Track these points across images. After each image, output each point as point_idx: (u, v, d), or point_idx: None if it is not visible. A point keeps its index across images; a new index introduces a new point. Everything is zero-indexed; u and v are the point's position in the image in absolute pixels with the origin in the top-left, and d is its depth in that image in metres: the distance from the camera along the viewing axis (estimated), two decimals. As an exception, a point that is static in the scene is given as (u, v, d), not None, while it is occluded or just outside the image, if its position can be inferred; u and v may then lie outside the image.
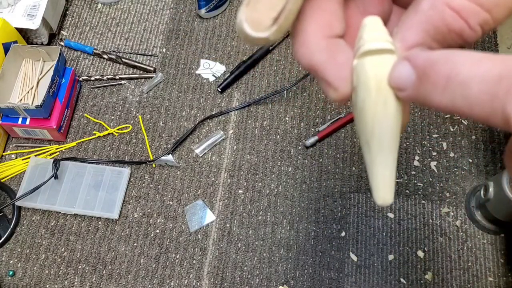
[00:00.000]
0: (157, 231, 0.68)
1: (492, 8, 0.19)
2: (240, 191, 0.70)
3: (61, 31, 0.84)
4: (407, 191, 0.70)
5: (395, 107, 0.21)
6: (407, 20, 0.21)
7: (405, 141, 0.73)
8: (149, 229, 0.68)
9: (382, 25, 0.21)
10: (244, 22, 0.20)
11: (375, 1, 0.23)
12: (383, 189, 0.22)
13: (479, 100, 0.17)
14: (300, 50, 0.22)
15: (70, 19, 0.85)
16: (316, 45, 0.21)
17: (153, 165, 0.72)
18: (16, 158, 0.73)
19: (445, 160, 0.72)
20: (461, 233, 0.67)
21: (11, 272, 0.65)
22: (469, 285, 0.64)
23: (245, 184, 0.70)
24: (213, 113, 0.75)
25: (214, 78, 0.79)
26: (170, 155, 0.72)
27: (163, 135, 0.74)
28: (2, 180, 0.71)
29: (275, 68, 0.80)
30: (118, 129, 0.74)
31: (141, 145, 0.73)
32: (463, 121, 0.75)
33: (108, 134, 0.74)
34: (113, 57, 0.79)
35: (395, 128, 0.21)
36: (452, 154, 0.72)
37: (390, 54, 0.21)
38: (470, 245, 0.66)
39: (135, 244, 0.67)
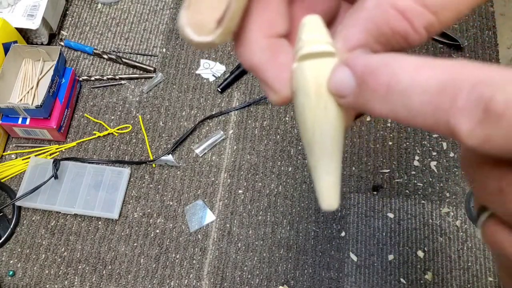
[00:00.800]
0: (157, 231, 0.68)
1: (439, 11, 0.18)
2: (240, 191, 0.70)
3: (61, 31, 0.84)
4: (407, 191, 0.70)
5: (336, 113, 0.20)
6: (351, 19, 0.19)
7: (405, 141, 0.73)
8: (149, 229, 0.68)
9: (323, 25, 0.20)
10: (186, 26, 0.18)
11: None
12: (327, 194, 0.21)
13: (421, 110, 0.16)
14: (241, 49, 0.21)
15: (70, 19, 0.85)
16: (257, 45, 0.20)
17: (153, 165, 0.72)
18: (16, 158, 0.73)
19: (445, 160, 0.72)
20: (461, 233, 0.67)
21: (11, 272, 0.65)
22: (469, 285, 0.64)
23: (245, 184, 0.70)
24: (213, 113, 0.75)
25: (214, 78, 0.79)
26: (170, 155, 0.72)
27: (163, 135, 0.74)
28: (2, 180, 0.71)
29: (275, 68, 0.79)
30: (118, 129, 0.74)
31: (141, 145, 0.73)
32: (463, 121, 0.75)
33: (108, 134, 0.74)
34: (113, 57, 0.79)
35: (336, 133, 0.20)
36: (452, 154, 0.72)
37: (330, 57, 0.20)
38: (470, 245, 0.66)
39: (135, 244, 0.67)
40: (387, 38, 0.19)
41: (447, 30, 0.80)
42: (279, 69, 0.20)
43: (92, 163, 0.71)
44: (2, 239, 0.67)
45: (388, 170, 0.71)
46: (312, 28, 0.20)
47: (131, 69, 0.80)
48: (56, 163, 0.68)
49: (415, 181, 0.70)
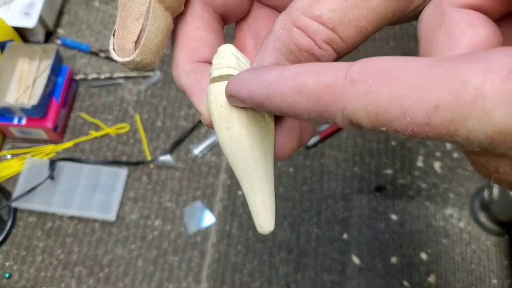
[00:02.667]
0: (155, 233, 0.67)
1: (335, 26, 0.19)
2: (239, 192, 0.69)
3: (58, 29, 0.82)
4: (410, 192, 0.69)
5: (239, 133, 0.21)
6: (264, 42, 0.21)
7: (409, 141, 0.72)
8: (146, 231, 0.67)
9: (233, 51, 0.21)
10: (112, 50, 0.21)
11: (266, 23, 0.24)
12: (256, 217, 0.21)
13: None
14: (172, 71, 0.23)
15: (66, 17, 0.84)
16: (181, 69, 0.22)
17: (151, 166, 0.71)
18: (12, 158, 0.72)
19: (449, 161, 0.71)
20: (465, 235, 0.66)
21: (7, 275, 0.64)
22: (473, 288, 0.63)
23: (245, 185, 0.69)
24: (212, 112, 0.74)
25: (213, 77, 0.78)
26: (169, 155, 0.70)
27: (161, 135, 0.73)
28: (-3, 181, 0.70)
29: (276, 66, 0.78)
30: (115, 129, 0.73)
31: (138, 146, 0.72)
32: (467, 120, 0.74)
33: (105, 134, 0.73)
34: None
35: (246, 153, 0.21)
36: (456, 155, 0.71)
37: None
38: (473, 247, 0.65)
39: (132, 246, 0.66)
40: (295, 55, 0.20)
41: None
42: (202, 93, 0.22)
43: (89, 163, 0.70)
44: (-2, 241, 0.66)
45: (391, 171, 0.70)
46: (222, 55, 0.21)
47: (129, 67, 0.79)
48: (53, 163, 0.67)
49: (419, 182, 0.69)
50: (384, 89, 0.15)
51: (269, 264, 0.65)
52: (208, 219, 0.67)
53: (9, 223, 0.67)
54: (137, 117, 0.74)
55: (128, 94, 0.76)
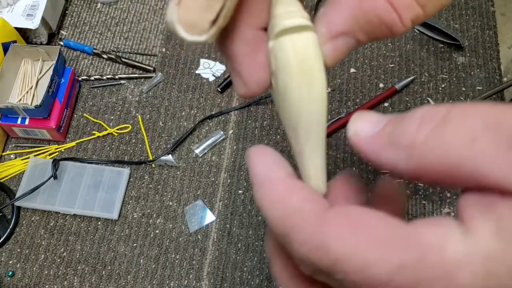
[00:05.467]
0: (157, 231, 0.67)
1: (426, 4, 0.18)
2: (240, 191, 0.70)
3: (61, 31, 0.83)
4: (408, 191, 0.70)
5: (321, 89, 0.19)
6: (336, 3, 0.19)
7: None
8: (148, 229, 0.68)
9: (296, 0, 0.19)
10: (177, 24, 0.17)
11: None
12: (315, 178, 0.21)
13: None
14: (221, 36, 0.20)
15: (69, 18, 0.85)
16: (241, 35, 0.20)
17: (153, 165, 0.72)
18: (15, 158, 0.73)
19: (445, 160, 0.72)
20: (462, 234, 0.67)
21: (10, 273, 0.65)
22: (469, 286, 0.64)
23: (245, 184, 0.70)
24: (213, 113, 0.75)
25: (214, 78, 0.78)
26: (170, 155, 0.71)
27: (162, 135, 0.74)
28: (1, 180, 0.71)
29: (275, 68, 0.79)
30: (117, 129, 0.74)
31: (140, 145, 0.73)
32: (463, 121, 0.75)
33: (108, 134, 0.74)
34: (113, 56, 0.79)
35: (322, 112, 0.20)
36: (452, 154, 0.72)
37: (308, 31, 0.19)
38: (470, 245, 0.66)
39: (134, 244, 0.67)
40: (372, 27, 0.18)
41: (447, 30, 0.80)
42: (256, 64, 0.20)
43: (92, 163, 0.71)
44: (2, 239, 0.66)
45: (389, 170, 0.71)
46: (286, 3, 0.19)
47: (131, 69, 0.80)
48: (56, 163, 0.68)
49: (416, 182, 0.70)
50: (351, 239, 0.16)
51: (269, 262, 0.65)
52: (209, 217, 0.68)
53: (13, 221, 0.67)
54: (139, 118, 0.75)
55: (130, 95, 0.77)
